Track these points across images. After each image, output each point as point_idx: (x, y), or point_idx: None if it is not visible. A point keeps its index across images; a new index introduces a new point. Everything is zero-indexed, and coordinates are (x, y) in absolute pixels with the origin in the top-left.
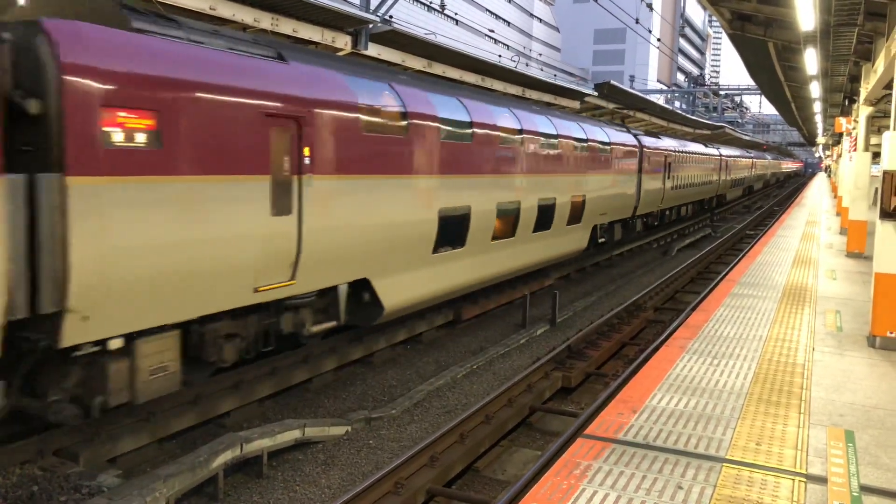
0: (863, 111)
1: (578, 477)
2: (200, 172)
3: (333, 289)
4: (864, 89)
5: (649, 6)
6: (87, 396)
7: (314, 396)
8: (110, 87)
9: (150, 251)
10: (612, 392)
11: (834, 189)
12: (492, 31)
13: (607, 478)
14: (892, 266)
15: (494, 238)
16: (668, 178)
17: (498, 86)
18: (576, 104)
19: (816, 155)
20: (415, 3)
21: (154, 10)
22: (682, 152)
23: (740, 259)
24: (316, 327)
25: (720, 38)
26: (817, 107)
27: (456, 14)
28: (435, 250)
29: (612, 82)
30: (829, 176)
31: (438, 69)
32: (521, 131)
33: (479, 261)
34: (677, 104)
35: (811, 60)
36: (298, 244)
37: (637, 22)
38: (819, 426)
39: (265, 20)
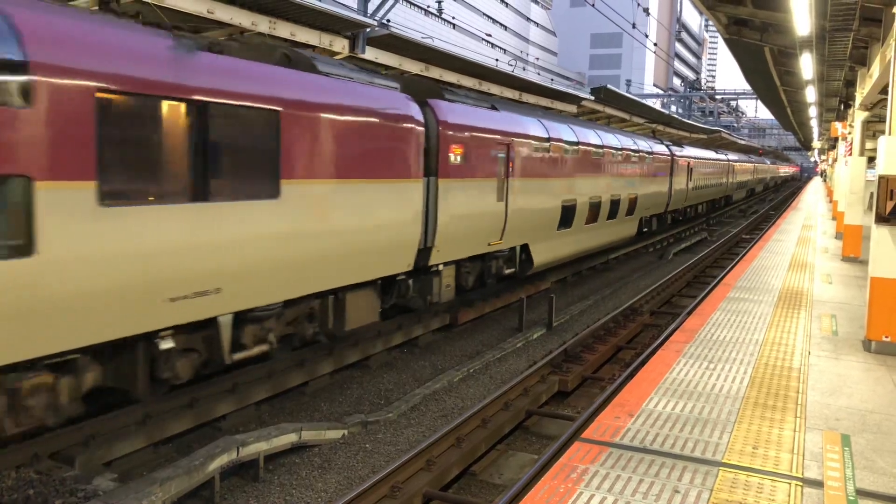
0: (858, 116)
1: (575, 481)
2: (480, 176)
3: (513, 249)
4: (860, 94)
5: (646, 11)
6: (425, 294)
7: (310, 400)
8: (451, 133)
9: (463, 218)
10: (608, 396)
11: (829, 193)
12: (489, 35)
13: (604, 481)
14: (887, 270)
15: (586, 223)
16: (690, 180)
17: (495, 90)
18: (573, 108)
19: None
20: (412, 7)
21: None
22: (701, 159)
23: (736, 263)
24: (507, 271)
25: (716, 43)
26: (813, 111)
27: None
28: (557, 228)
29: (609, 86)
30: (825, 180)
31: (436, 73)
32: (602, 146)
33: (578, 238)
34: (673, 108)
35: (807, 65)
36: (505, 220)
37: (634, 26)
38: (815, 430)
39: (263, 24)
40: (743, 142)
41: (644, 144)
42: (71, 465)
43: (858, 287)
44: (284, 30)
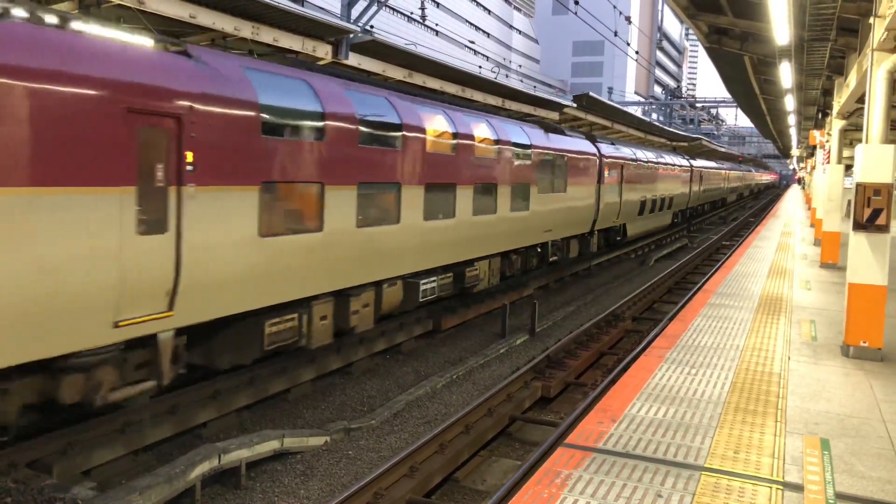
0: (836, 124)
1: (559, 486)
2: (613, 182)
3: (615, 226)
4: (837, 103)
5: (627, 19)
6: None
7: (293, 407)
8: (607, 160)
9: (606, 204)
10: (591, 401)
11: (808, 200)
12: (472, 42)
13: (588, 486)
14: (864, 276)
15: (639, 214)
16: (700, 185)
17: (478, 96)
18: (555, 115)
19: (791, 167)
20: (395, 13)
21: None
22: (707, 168)
23: (717, 269)
24: (618, 238)
25: (697, 51)
26: (792, 119)
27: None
28: (638, 215)
29: (591, 94)
30: (804, 188)
31: (419, 79)
32: (658, 162)
33: (641, 223)
34: (655, 116)
35: (786, 74)
36: (619, 207)
37: (615, 34)
38: (795, 434)
39: (245, 29)
40: (723, 149)
41: (678, 159)
42: (49, 474)
43: (837, 293)
44: (267, 35)
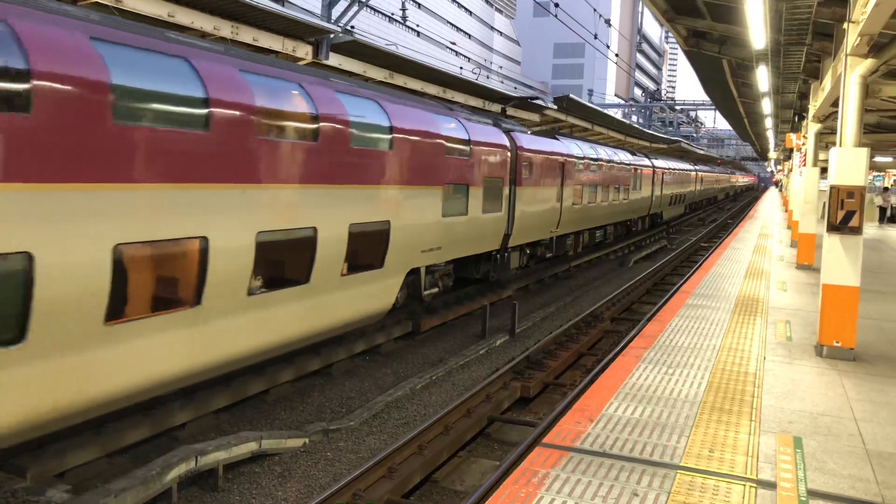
0: (812, 127)
1: (536, 485)
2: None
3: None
4: (813, 106)
5: (607, 22)
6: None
7: (271, 408)
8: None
9: (661, 195)
10: (569, 401)
11: (785, 203)
12: (453, 43)
13: (564, 486)
14: (838, 277)
15: (671, 204)
16: (700, 183)
17: (459, 97)
18: (535, 117)
19: (769, 169)
20: (376, 14)
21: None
22: (675, 169)
23: (695, 271)
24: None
25: (676, 54)
26: (769, 123)
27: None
28: (669, 205)
29: (571, 96)
30: (781, 190)
31: (400, 80)
32: (675, 170)
33: (675, 209)
34: (634, 118)
35: (763, 78)
36: (651, 200)
37: (595, 37)
38: (769, 433)
39: (225, 28)
40: (702, 151)
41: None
42: (23, 477)
43: (812, 294)
44: (247, 35)
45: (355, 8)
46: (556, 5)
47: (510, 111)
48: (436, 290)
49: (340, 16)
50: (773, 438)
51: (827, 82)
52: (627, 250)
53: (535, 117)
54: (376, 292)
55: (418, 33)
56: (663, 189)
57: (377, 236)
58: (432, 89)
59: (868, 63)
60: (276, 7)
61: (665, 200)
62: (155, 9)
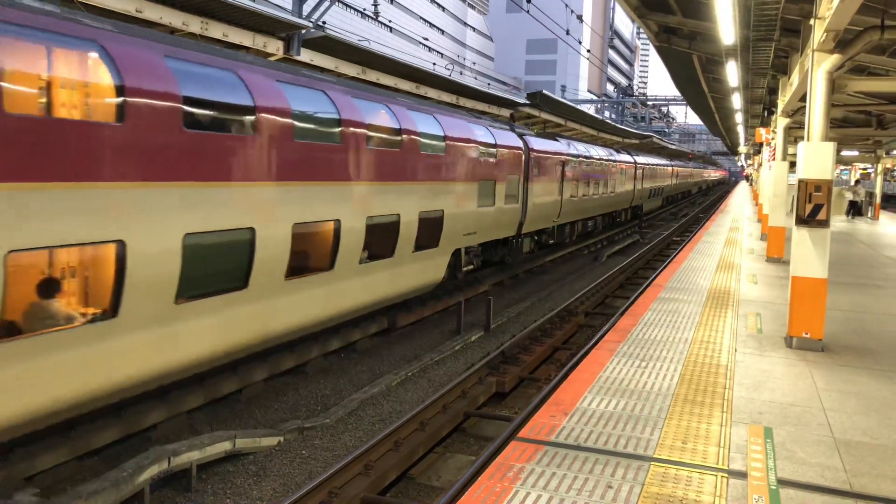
0: (780, 122)
1: (512, 479)
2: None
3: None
4: (782, 101)
5: (579, 18)
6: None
7: (245, 407)
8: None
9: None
10: (544, 395)
11: (755, 196)
12: (426, 38)
13: (540, 479)
14: (806, 270)
15: (651, 197)
16: (675, 178)
17: (432, 94)
18: (508, 113)
19: (739, 164)
20: (348, 9)
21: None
22: (676, 167)
23: (667, 265)
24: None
25: (648, 50)
26: (739, 117)
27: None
28: (648, 198)
29: (545, 92)
30: (751, 184)
31: (373, 76)
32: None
33: (655, 202)
34: (607, 114)
35: (732, 73)
36: (633, 193)
37: (568, 33)
38: (740, 424)
39: (194, 24)
40: (674, 147)
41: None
42: None
43: (782, 286)
44: (217, 30)
45: (327, 3)
46: (529, 1)
47: (482, 107)
48: (470, 266)
49: (312, 11)
50: (744, 429)
51: (795, 78)
52: (601, 245)
53: (508, 113)
54: (434, 266)
55: (391, 29)
56: (643, 183)
57: (436, 222)
58: (405, 85)
59: (834, 58)
60: (247, 2)
61: (645, 194)
62: (122, 4)
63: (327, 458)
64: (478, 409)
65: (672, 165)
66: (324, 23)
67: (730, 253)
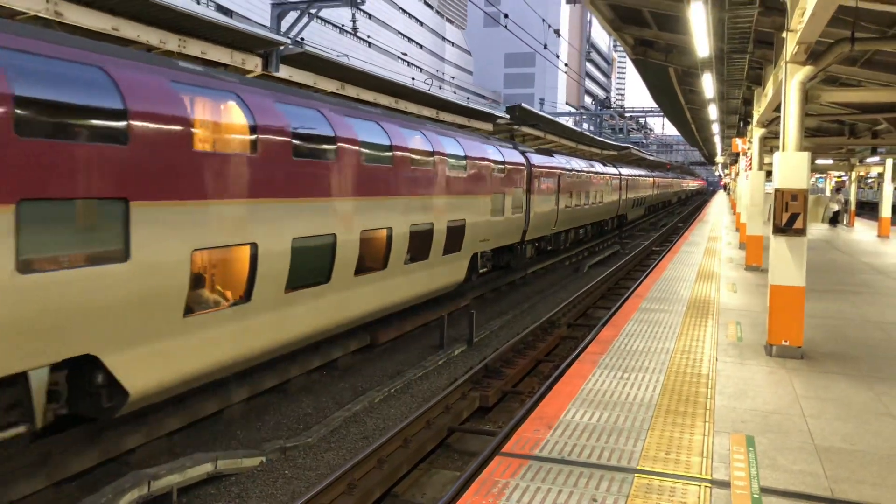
0: (756, 132)
1: (496, 495)
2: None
3: (620, 215)
4: (757, 112)
5: (556, 32)
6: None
7: (226, 428)
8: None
9: (629, 200)
10: (528, 409)
11: (733, 206)
12: (405, 53)
13: (524, 494)
14: (784, 278)
15: (634, 206)
16: (657, 188)
17: (412, 108)
18: (489, 126)
19: (717, 173)
20: (327, 25)
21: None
22: (657, 178)
23: (647, 275)
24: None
25: (625, 63)
26: (715, 128)
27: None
28: (632, 208)
29: (524, 105)
30: (729, 193)
31: (352, 91)
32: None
33: (639, 211)
34: (586, 126)
35: (708, 85)
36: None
37: (545, 47)
38: (723, 433)
39: (172, 41)
40: (652, 158)
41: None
42: None
43: (761, 295)
44: (195, 48)
45: (305, 19)
46: (506, 16)
47: (462, 121)
48: (484, 269)
49: (290, 27)
50: (726, 438)
51: (769, 88)
52: (582, 256)
53: (489, 126)
54: (458, 267)
55: (370, 44)
56: (628, 194)
57: (460, 230)
58: (385, 100)
59: (807, 70)
60: (225, 19)
61: (629, 203)
62: (98, 22)
63: (310, 478)
64: (462, 424)
65: (653, 176)
66: (302, 39)
67: (709, 262)
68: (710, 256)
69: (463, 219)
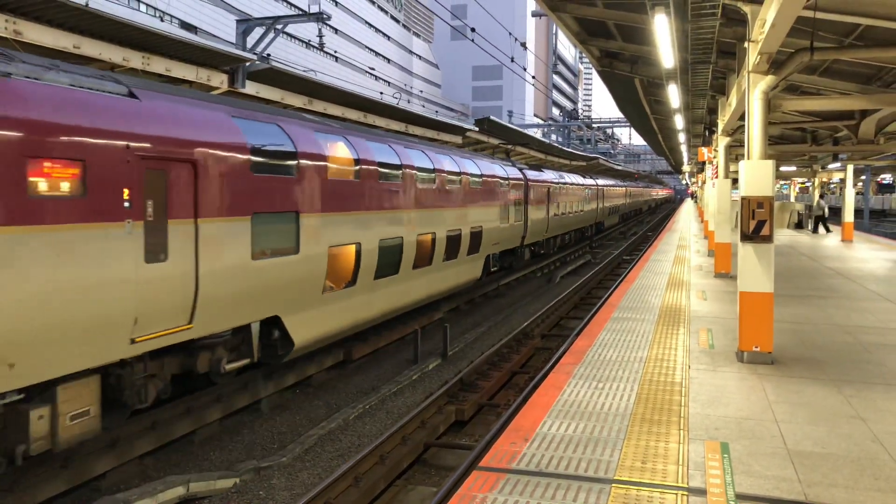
0: (721, 141)
1: None
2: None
3: (598, 222)
4: (722, 121)
5: (523, 45)
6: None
7: (199, 449)
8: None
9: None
10: (504, 422)
11: (701, 214)
12: (372, 68)
13: None
14: (753, 284)
15: (609, 214)
16: (629, 197)
17: (381, 122)
18: (458, 139)
19: (684, 182)
20: (293, 40)
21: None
22: (629, 187)
23: (619, 284)
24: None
25: (591, 75)
26: (682, 137)
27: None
28: (608, 216)
29: (492, 117)
30: (696, 202)
31: (319, 106)
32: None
33: (610, 220)
34: (554, 137)
35: (673, 95)
36: (597, 211)
37: (512, 60)
38: (697, 441)
39: (135, 59)
40: (619, 167)
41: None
42: None
43: (731, 301)
44: (159, 65)
45: (271, 35)
46: (473, 30)
47: (431, 134)
48: (496, 269)
49: (256, 43)
50: (701, 445)
51: (733, 98)
52: (554, 266)
53: (458, 139)
54: (477, 266)
55: (337, 59)
56: (605, 202)
57: (478, 235)
58: (353, 114)
59: (769, 79)
60: (189, 36)
61: (606, 212)
62: (59, 40)
63: (285, 498)
64: (438, 439)
65: (625, 186)
66: (268, 55)
67: (679, 270)
68: (679, 264)
69: (480, 225)
